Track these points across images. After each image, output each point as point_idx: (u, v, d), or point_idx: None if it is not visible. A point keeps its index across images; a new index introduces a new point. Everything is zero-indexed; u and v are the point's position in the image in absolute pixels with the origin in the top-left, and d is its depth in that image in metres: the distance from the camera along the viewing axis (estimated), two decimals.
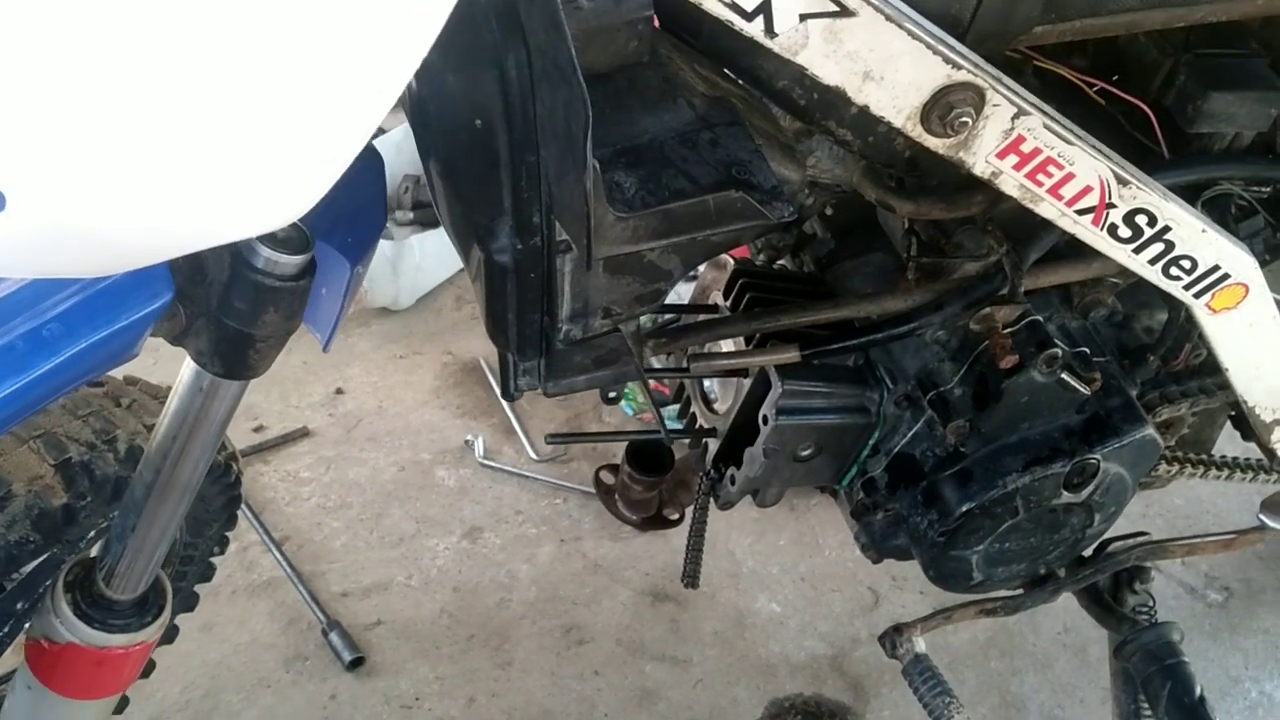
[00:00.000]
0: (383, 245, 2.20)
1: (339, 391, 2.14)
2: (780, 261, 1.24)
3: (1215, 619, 1.84)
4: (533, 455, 2.03)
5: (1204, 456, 1.23)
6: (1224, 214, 1.04)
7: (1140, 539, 1.18)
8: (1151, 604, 1.22)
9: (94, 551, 0.98)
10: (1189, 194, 1.04)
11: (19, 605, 1.01)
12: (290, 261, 0.72)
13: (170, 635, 1.42)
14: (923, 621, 1.15)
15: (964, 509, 1.04)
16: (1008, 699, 1.71)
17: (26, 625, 0.99)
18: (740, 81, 0.84)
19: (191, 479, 0.83)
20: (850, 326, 1.06)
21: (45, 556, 0.95)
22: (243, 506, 1.83)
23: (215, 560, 1.43)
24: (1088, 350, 1.08)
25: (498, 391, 2.14)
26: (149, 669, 1.36)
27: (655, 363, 1.23)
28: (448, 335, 2.28)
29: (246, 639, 1.72)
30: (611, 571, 1.86)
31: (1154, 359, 1.10)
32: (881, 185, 0.99)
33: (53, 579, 0.90)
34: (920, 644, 1.12)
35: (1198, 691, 1.09)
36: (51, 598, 0.89)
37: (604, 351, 0.83)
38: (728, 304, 1.13)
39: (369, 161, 0.87)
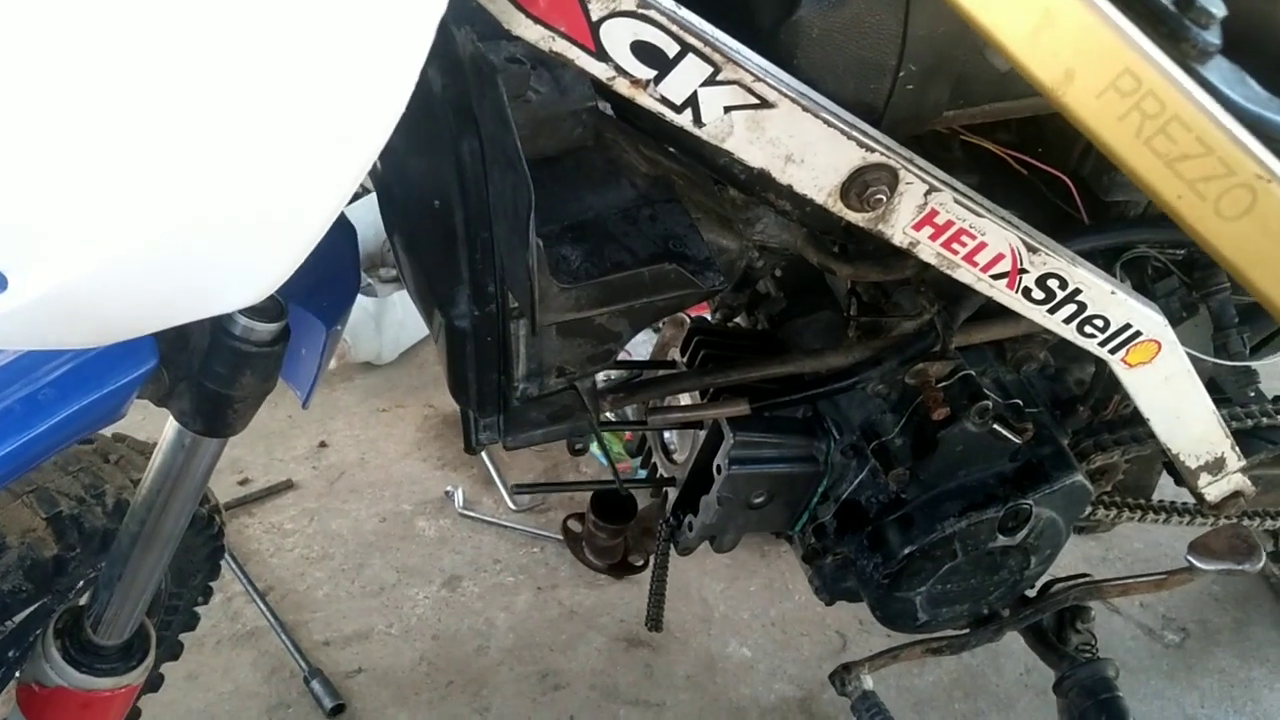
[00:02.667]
0: (366, 302, 2.27)
1: (323, 445, 2.20)
2: (736, 320, 1.31)
3: (1172, 659, 1.89)
4: (511, 505, 2.09)
5: (1141, 501, 1.29)
6: (1141, 275, 1.12)
7: (1079, 580, 1.24)
8: (1093, 642, 1.28)
9: (83, 600, 1.04)
10: (1109, 257, 1.12)
11: (10, 652, 1.07)
12: (266, 329, 0.78)
13: (155, 683, 1.46)
14: (870, 660, 1.21)
15: (906, 552, 1.11)
16: None
17: (18, 671, 1.04)
18: (684, 159, 0.92)
19: (174, 530, 0.89)
20: (799, 380, 1.14)
21: (36, 605, 1.01)
22: (227, 558, 1.89)
23: (200, 610, 1.48)
24: (1020, 402, 1.15)
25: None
26: (134, 716, 1.41)
27: (631, 414, 1.29)
28: (429, 389, 2.34)
29: (230, 688, 1.76)
30: (587, 618, 1.91)
31: (1084, 409, 1.17)
32: (823, 250, 1.06)
33: (43, 626, 0.95)
34: (868, 681, 1.18)
35: None
36: (42, 644, 0.95)
37: (558, 407, 0.90)
38: (684, 360, 1.20)
39: (341, 231, 0.95)
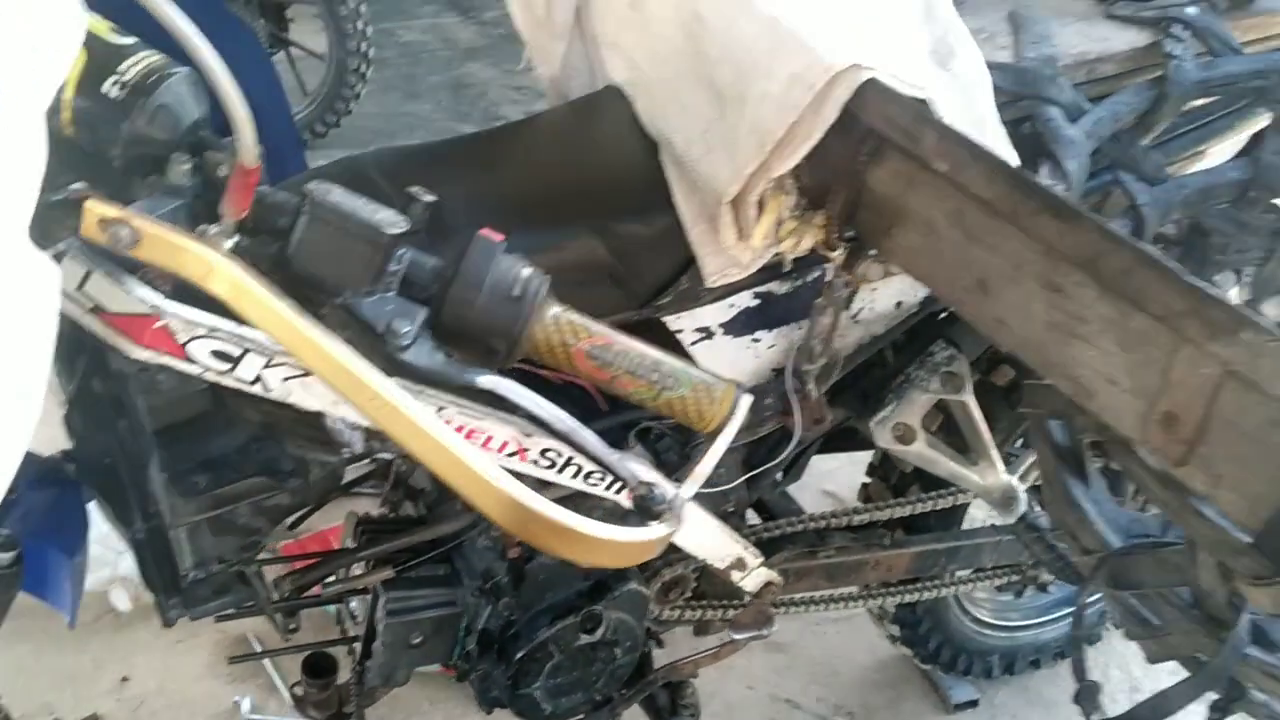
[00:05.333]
0: None
1: (125, 679, 2.51)
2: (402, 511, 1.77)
3: None
4: (290, 703, 2.43)
5: (710, 601, 1.77)
6: (650, 437, 1.63)
7: (668, 664, 1.70)
8: (696, 711, 1.73)
9: None
10: (628, 427, 1.63)
11: None
12: (3, 557, 1.20)
13: None
14: None
15: (517, 658, 1.55)
16: None
17: None
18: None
19: None
20: (434, 546, 1.59)
21: None
22: None
23: None
24: None
25: (267, 663, 2.56)
26: None
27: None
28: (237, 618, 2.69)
29: None
30: None
31: None
32: None
33: None
34: None
35: None
36: None
37: (220, 585, 1.33)
38: (354, 545, 1.65)
39: (66, 490, 1.38)
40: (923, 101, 1.18)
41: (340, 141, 4.14)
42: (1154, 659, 1.35)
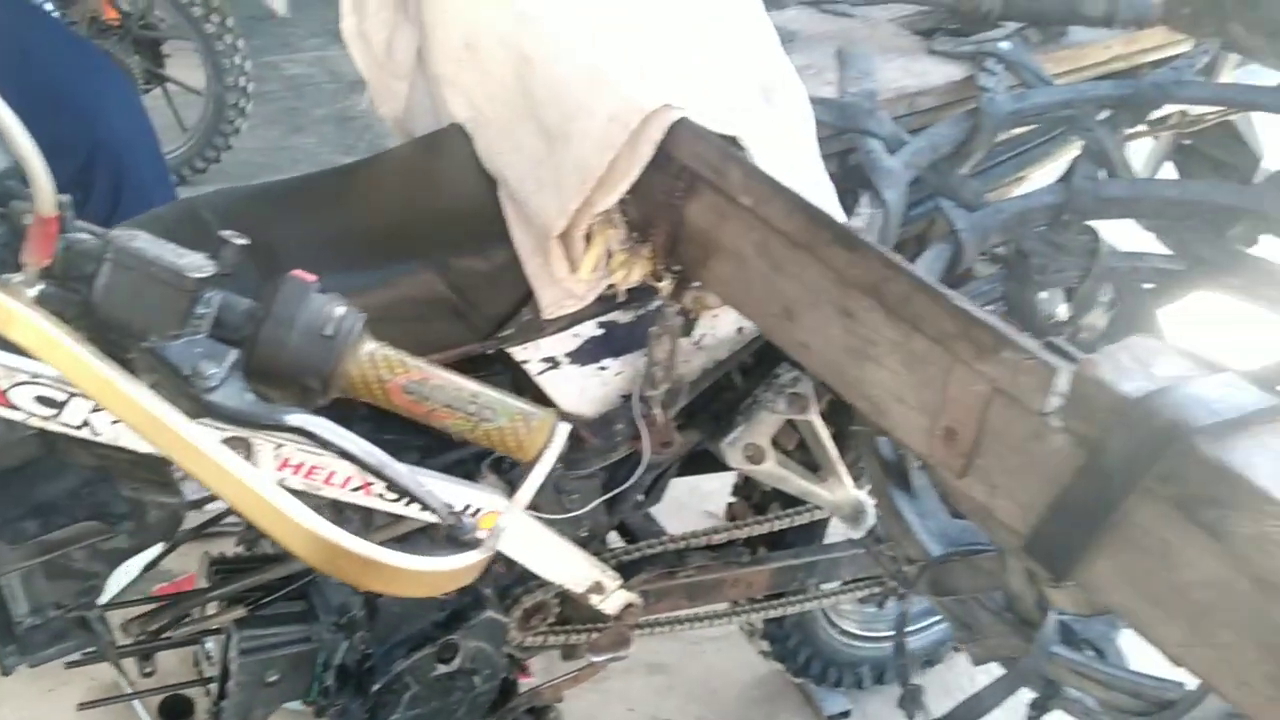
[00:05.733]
0: None
1: None
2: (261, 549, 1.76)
3: None
4: None
5: (575, 626, 1.80)
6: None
7: (530, 690, 1.72)
8: None
9: None
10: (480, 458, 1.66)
11: None
12: None
13: None
14: None
15: (374, 690, 1.56)
16: None
17: None
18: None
19: None
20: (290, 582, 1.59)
21: None
22: None
23: None
24: None
25: (137, 705, 2.51)
26: None
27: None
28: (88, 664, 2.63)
29: None
30: None
31: (499, 564, 1.68)
32: None
33: None
34: None
35: None
36: None
37: (59, 632, 1.32)
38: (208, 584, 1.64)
39: None
40: (732, 139, 1.24)
41: (221, 177, 4.10)
42: (977, 661, 1.41)
